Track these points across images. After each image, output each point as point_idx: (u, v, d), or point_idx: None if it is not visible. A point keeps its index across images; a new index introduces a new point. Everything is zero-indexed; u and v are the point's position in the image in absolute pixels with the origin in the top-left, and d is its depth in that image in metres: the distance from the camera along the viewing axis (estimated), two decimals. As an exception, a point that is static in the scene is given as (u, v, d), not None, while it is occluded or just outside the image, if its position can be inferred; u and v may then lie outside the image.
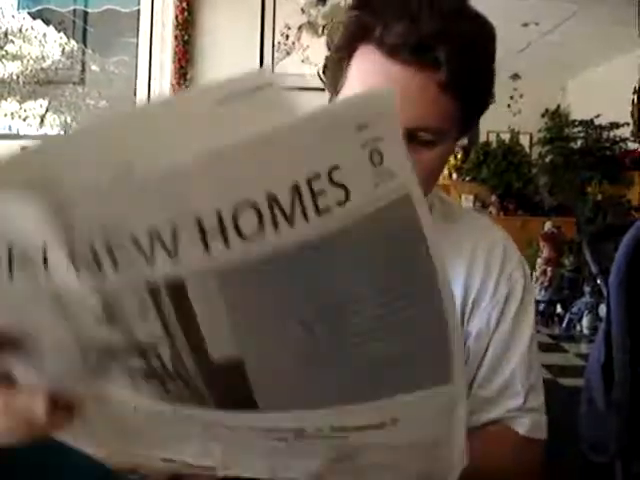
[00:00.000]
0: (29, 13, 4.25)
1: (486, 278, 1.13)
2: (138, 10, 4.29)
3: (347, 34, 0.98)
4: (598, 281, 1.92)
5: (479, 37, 0.97)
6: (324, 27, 4.19)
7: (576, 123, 7.38)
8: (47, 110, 6.02)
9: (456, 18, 0.94)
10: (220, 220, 0.41)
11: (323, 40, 4.11)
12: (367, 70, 0.96)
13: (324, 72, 1.05)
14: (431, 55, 0.92)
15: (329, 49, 1.04)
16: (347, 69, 0.99)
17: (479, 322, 1.12)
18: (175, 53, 4.27)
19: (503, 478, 1.09)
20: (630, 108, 7.75)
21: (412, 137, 0.96)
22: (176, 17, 4.23)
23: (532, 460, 1.13)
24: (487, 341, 1.11)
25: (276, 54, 4.32)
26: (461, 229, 1.16)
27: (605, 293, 1.86)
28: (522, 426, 1.10)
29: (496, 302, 1.12)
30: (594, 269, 1.95)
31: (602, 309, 5.13)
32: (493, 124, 8.15)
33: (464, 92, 0.96)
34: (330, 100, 1.06)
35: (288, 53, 4.30)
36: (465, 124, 1.04)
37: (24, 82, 5.72)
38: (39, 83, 5.73)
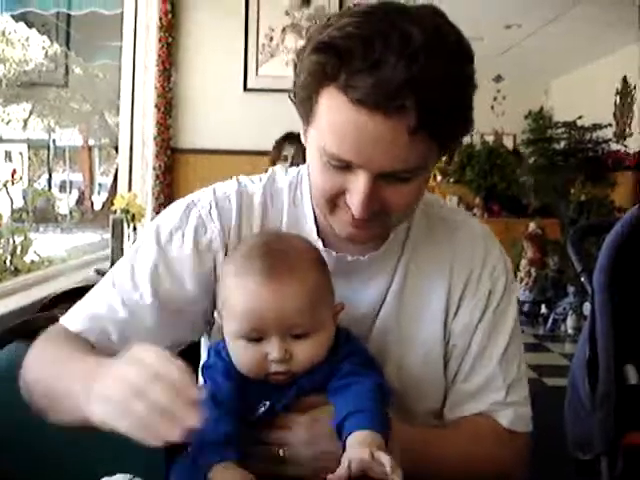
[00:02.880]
0: (12, 16, 4.23)
1: (469, 276, 1.14)
2: (121, 13, 4.27)
3: (311, 76, 0.96)
4: (582, 279, 1.93)
5: (450, 74, 0.93)
6: (308, 29, 4.20)
7: (559, 124, 7.41)
8: (30, 113, 5.99)
9: (425, 58, 0.89)
10: None
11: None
12: (335, 116, 0.94)
13: (294, 96, 1.02)
14: (398, 103, 0.89)
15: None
16: (315, 106, 0.97)
17: (462, 319, 1.14)
18: (159, 56, 4.26)
19: (488, 468, 1.11)
20: (612, 109, 7.81)
21: (387, 177, 0.96)
22: (160, 19, 4.22)
23: (516, 451, 1.15)
24: (470, 337, 1.13)
25: (260, 56, 4.31)
26: (442, 234, 1.17)
27: (589, 291, 1.87)
28: (505, 418, 1.13)
29: (479, 299, 1.14)
30: (577, 267, 1.96)
31: (586, 307, 5.16)
32: (477, 126, 8.15)
33: (437, 132, 0.94)
34: (305, 132, 1.04)
35: (272, 55, 4.29)
36: (442, 154, 1.04)
37: (7, 85, 5.69)
38: (22, 86, 5.70)
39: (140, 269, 1.10)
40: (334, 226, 1.05)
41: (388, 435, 0.92)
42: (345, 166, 0.96)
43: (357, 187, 0.96)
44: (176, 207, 1.16)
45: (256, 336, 0.97)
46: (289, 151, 3.31)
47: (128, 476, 0.84)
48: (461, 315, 1.14)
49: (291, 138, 3.23)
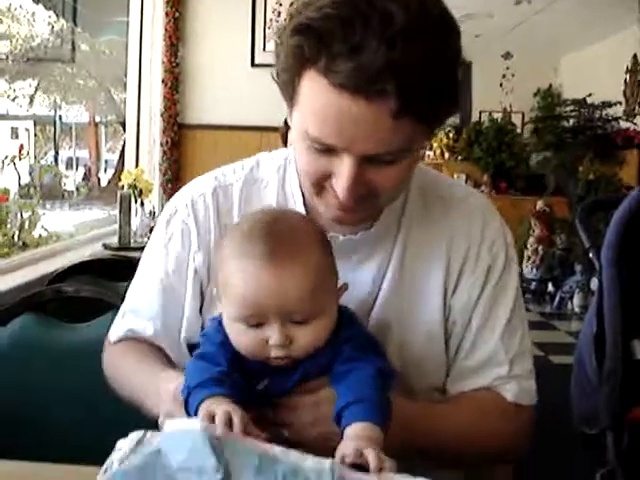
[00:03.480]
0: (18, -10, 4.21)
1: (467, 252, 1.13)
2: (128, -13, 4.26)
3: (291, 59, 0.94)
4: (590, 255, 1.92)
5: (433, 55, 0.90)
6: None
7: (568, 102, 7.35)
8: (36, 90, 5.98)
9: (406, 41, 0.87)
10: None
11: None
12: (317, 100, 0.93)
13: (277, 77, 1.00)
14: (379, 87, 0.88)
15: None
16: (297, 89, 0.96)
17: (462, 295, 1.13)
18: (166, 31, 4.24)
19: (493, 442, 1.11)
20: (622, 87, 7.74)
21: (372, 160, 0.95)
22: (166, -6, 4.20)
23: (521, 425, 1.15)
24: (470, 313, 1.13)
25: (267, 31, 4.29)
26: (440, 210, 1.16)
27: (597, 266, 1.86)
28: (509, 392, 1.12)
29: (478, 275, 1.13)
30: (585, 242, 1.96)
31: (594, 283, 5.15)
32: (485, 103, 8.14)
33: (421, 115, 0.93)
34: (290, 114, 1.03)
35: (280, 30, 4.27)
36: (429, 135, 1.03)
37: (13, 61, 5.67)
38: (28, 62, 5.68)
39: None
40: (321, 209, 1.05)
41: (388, 425, 0.91)
42: (329, 149, 0.95)
43: (342, 171, 0.96)
44: (161, 220, 1.21)
45: (256, 321, 0.94)
46: None
47: (142, 432, 0.84)
48: (460, 292, 1.13)
49: None
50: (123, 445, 0.82)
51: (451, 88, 0.96)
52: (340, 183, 0.96)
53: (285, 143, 3.06)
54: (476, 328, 1.13)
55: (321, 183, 1.00)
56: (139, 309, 1.18)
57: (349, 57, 0.87)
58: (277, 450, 0.81)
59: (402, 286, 1.12)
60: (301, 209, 1.12)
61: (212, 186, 1.17)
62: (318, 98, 0.92)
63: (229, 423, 0.83)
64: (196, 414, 0.87)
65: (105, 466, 0.80)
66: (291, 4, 0.97)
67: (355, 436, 0.88)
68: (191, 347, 1.15)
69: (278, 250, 0.93)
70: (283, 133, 3.28)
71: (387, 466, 0.82)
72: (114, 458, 0.80)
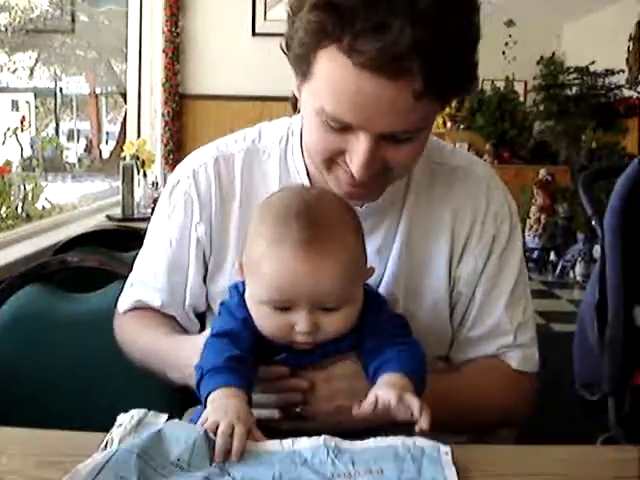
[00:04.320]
0: (16, -40, 4.17)
1: (472, 222, 1.13)
2: (127, -44, 4.21)
3: (310, 35, 0.91)
4: (592, 222, 1.93)
5: (457, 34, 0.89)
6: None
7: (571, 70, 7.30)
8: (36, 61, 5.93)
9: (431, 20, 0.85)
10: None
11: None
12: (336, 76, 0.90)
13: (287, 49, 0.98)
14: (403, 66, 0.86)
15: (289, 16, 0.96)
16: (313, 65, 0.93)
17: (467, 266, 1.13)
18: (166, 0, 4.20)
19: (497, 408, 1.12)
20: (625, 55, 7.68)
21: (388, 138, 0.94)
22: (166, -37, 4.16)
23: (525, 391, 1.16)
24: (475, 284, 1.13)
25: (268, 0, 4.26)
26: (444, 181, 1.15)
27: (599, 233, 1.87)
28: (513, 360, 1.13)
29: (483, 245, 1.13)
30: (588, 209, 1.96)
31: (596, 250, 5.16)
32: (487, 72, 8.07)
33: (442, 93, 0.92)
34: (298, 88, 1.01)
35: (280, -1, 4.24)
36: (444, 109, 1.03)
37: (12, 33, 5.63)
38: (28, 34, 5.64)
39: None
40: (331, 184, 1.03)
41: (422, 387, 0.91)
42: (344, 127, 0.94)
43: (357, 148, 0.95)
44: (164, 191, 1.21)
45: (284, 306, 0.92)
46: None
47: (143, 411, 0.85)
48: (465, 262, 1.13)
49: None
50: (124, 421, 0.82)
51: (472, 66, 0.95)
52: (355, 160, 0.95)
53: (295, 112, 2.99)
54: (480, 299, 1.13)
55: (333, 159, 0.99)
56: (146, 280, 1.19)
57: (374, 36, 0.85)
58: (269, 444, 0.81)
59: (409, 258, 1.12)
60: (305, 181, 1.12)
61: (214, 156, 1.17)
62: (337, 75, 0.90)
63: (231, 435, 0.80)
64: (205, 403, 0.86)
65: (105, 440, 0.81)
66: None
67: (388, 384, 0.88)
68: (199, 315, 1.16)
69: (314, 237, 0.90)
70: (293, 103, 3.20)
71: (427, 413, 0.83)
72: (114, 434, 0.80)
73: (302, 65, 0.95)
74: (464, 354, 1.15)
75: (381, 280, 1.12)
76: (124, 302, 1.22)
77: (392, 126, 0.93)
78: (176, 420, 0.85)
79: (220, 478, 0.75)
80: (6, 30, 5.61)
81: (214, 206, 1.15)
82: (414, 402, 0.84)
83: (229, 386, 0.87)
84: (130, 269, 1.24)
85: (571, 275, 6.21)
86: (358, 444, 0.82)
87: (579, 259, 6.08)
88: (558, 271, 6.30)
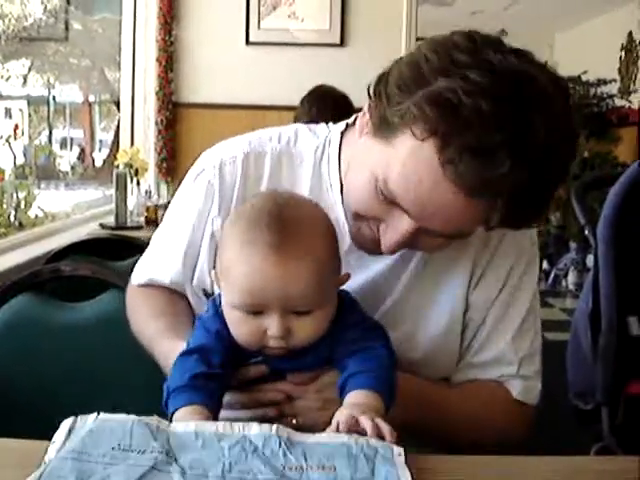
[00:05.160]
0: (9, -32, 4.17)
1: (496, 248, 1.11)
2: (121, -35, 4.22)
3: (416, 120, 0.86)
4: (586, 231, 1.93)
5: (553, 183, 0.89)
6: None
7: (563, 80, 7.32)
8: (30, 69, 5.92)
9: (535, 168, 0.84)
10: None
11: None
12: (418, 168, 0.87)
13: (377, 97, 0.94)
14: (489, 198, 0.86)
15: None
16: (399, 137, 0.90)
17: (482, 292, 1.11)
18: (160, 9, 4.21)
19: (492, 434, 1.10)
20: (617, 64, 7.72)
21: (431, 232, 0.94)
22: (160, -29, 4.16)
23: (521, 422, 1.14)
24: (486, 311, 1.11)
25: (262, 9, 4.26)
26: None
27: (592, 243, 1.87)
28: (514, 389, 1.11)
29: (500, 273, 1.11)
30: (581, 219, 1.97)
31: (589, 260, 5.17)
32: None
33: (511, 226, 0.95)
34: (362, 129, 0.99)
35: (274, 8, 4.24)
36: None
37: (6, 41, 5.62)
38: (21, 42, 5.63)
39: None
40: (352, 229, 1.03)
41: (392, 396, 0.90)
42: (392, 202, 0.93)
43: (397, 227, 0.94)
44: (189, 175, 1.19)
45: (256, 310, 0.92)
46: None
47: (72, 418, 0.83)
48: (481, 288, 1.11)
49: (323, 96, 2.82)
50: (57, 437, 0.80)
51: (548, 206, 0.93)
52: (389, 236, 0.95)
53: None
54: (489, 328, 1.12)
55: (368, 219, 0.99)
56: (161, 259, 1.19)
57: (476, 159, 0.83)
58: (220, 426, 0.81)
59: (427, 273, 1.10)
60: (338, 197, 1.09)
61: (245, 151, 1.13)
62: (420, 168, 0.87)
63: None
64: (171, 420, 0.86)
65: (42, 466, 0.75)
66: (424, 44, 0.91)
67: (352, 404, 0.87)
68: (207, 294, 1.15)
69: (285, 241, 0.89)
70: (296, 116, 2.89)
71: (386, 433, 0.80)
72: (50, 452, 0.77)
73: (382, 128, 0.93)
74: (464, 376, 1.13)
75: (393, 291, 1.10)
76: (138, 276, 1.23)
77: (443, 229, 0.92)
78: (103, 414, 0.83)
79: (168, 466, 0.74)
80: (0, 38, 5.61)
81: (234, 202, 1.12)
82: (368, 426, 0.81)
83: (192, 404, 0.88)
84: (124, 278, 1.23)
85: (564, 284, 6.23)
86: (311, 438, 0.80)
87: (572, 268, 6.10)
88: (551, 280, 6.32)
